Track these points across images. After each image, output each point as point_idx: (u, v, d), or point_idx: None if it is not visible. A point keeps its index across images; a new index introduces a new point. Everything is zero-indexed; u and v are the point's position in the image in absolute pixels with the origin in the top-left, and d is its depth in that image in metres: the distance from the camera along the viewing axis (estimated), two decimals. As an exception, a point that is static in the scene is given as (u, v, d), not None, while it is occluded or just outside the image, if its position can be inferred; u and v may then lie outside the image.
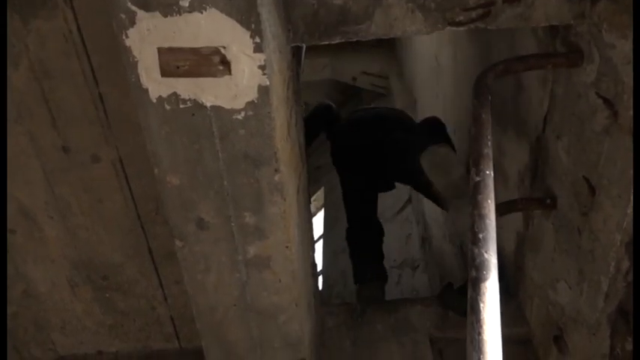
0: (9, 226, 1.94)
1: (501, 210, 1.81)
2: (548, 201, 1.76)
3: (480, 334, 0.78)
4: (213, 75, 1.18)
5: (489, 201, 1.04)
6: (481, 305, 0.83)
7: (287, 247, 1.45)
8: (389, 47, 5.27)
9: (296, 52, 1.65)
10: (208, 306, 1.58)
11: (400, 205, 4.34)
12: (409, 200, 4.08)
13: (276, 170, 1.32)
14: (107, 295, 2.13)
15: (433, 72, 3.65)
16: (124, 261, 2.04)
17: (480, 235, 0.96)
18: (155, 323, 2.20)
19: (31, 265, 2.05)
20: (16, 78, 1.65)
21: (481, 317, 0.81)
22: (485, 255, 0.91)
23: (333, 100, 6.23)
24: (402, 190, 3.92)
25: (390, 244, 3.91)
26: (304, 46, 1.86)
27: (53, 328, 2.21)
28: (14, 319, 2.18)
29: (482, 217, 1.00)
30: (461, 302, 2.31)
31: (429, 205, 3.66)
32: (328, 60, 5.22)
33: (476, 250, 0.93)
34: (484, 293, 0.85)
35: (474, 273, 0.89)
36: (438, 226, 3.44)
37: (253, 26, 1.10)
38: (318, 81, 5.63)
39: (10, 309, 2.14)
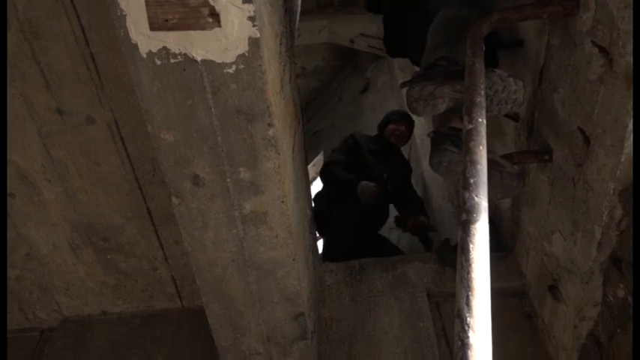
0: (8, 190, 1.95)
1: (497, 163, 1.81)
2: (547, 156, 1.77)
3: (469, 272, 0.80)
4: (203, 28, 1.16)
5: (481, 147, 1.05)
6: (471, 246, 0.84)
7: (283, 202, 1.46)
8: (387, 8, 5.17)
9: (289, 9, 1.62)
10: (207, 262, 1.60)
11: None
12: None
13: (270, 125, 1.31)
14: (108, 256, 2.15)
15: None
16: (123, 223, 2.06)
17: (472, 180, 0.97)
18: (157, 283, 2.24)
19: (32, 228, 2.07)
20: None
21: (470, 257, 0.82)
22: (476, 199, 0.92)
23: (331, 64, 6.18)
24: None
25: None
26: (299, 3, 1.84)
27: (57, 289, 2.24)
28: (18, 281, 2.21)
29: (473, 162, 1.00)
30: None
31: (427, 167, 3.66)
32: (325, 22, 5.13)
33: (467, 194, 0.94)
34: (474, 235, 0.86)
35: (464, 216, 0.90)
36: (438, 187, 3.45)
37: (241, -25, 1.09)
38: (315, 44, 5.55)
39: (14, 272, 2.18)
